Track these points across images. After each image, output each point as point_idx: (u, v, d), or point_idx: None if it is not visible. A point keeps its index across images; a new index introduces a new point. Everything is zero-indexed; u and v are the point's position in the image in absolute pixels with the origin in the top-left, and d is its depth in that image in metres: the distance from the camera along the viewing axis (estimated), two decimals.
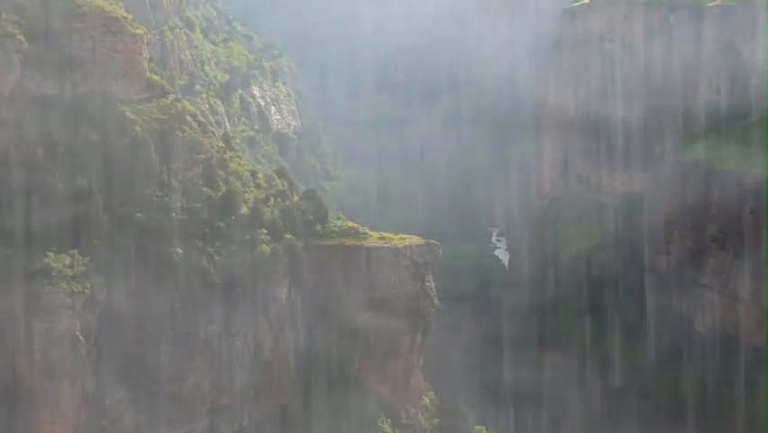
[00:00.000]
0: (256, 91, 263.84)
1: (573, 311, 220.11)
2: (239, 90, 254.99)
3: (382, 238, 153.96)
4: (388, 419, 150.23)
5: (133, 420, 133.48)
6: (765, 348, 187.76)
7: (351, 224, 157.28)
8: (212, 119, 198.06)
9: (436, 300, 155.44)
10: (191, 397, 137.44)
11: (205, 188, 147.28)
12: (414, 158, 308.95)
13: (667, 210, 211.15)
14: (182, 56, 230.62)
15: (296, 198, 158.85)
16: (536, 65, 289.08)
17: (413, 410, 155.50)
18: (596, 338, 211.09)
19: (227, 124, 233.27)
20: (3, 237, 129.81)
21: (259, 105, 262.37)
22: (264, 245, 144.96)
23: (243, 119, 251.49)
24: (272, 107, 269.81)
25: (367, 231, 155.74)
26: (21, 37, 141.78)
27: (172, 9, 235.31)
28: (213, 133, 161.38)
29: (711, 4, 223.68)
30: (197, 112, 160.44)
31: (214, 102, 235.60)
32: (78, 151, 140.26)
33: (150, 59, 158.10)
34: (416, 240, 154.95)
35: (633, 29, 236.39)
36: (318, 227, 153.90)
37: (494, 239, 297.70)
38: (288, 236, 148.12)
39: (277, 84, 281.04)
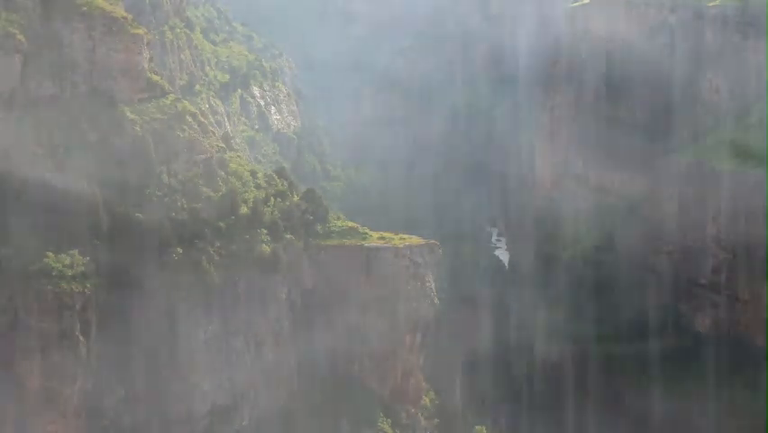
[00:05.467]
0: (256, 91, 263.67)
1: (573, 311, 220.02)
2: (239, 90, 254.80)
3: (382, 238, 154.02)
4: (388, 419, 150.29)
5: (133, 420, 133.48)
6: (765, 348, 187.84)
7: (351, 224, 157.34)
8: (212, 119, 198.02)
9: (436, 300, 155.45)
10: (191, 397, 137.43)
11: (205, 189, 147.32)
12: (414, 158, 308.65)
13: (667, 210, 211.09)
14: (182, 56, 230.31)
15: (296, 198, 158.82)
16: (536, 65, 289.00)
17: (413, 410, 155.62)
18: (596, 338, 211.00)
19: (227, 124, 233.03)
20: (3, 237, 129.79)
21: (259, 105, 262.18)
22: (264, 245, 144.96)
23: (243, 119, 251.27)
24: (272, 107, 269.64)
25: (367, 231, 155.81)
26: (21, 37, 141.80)
27: (172, 9, 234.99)
28: (213, 133, 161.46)
29: (711, 4, 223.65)
30: (197, 112, 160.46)
31: (215, 102, 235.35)
32: (78, 151, 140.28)
33: (151, 59, 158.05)
34: (415, 240, 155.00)
35: (633, 29, 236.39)
36: (318, 227, 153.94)
37: (494, 239, 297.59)
38: (288, 236, 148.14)
39: (277, 84, 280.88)
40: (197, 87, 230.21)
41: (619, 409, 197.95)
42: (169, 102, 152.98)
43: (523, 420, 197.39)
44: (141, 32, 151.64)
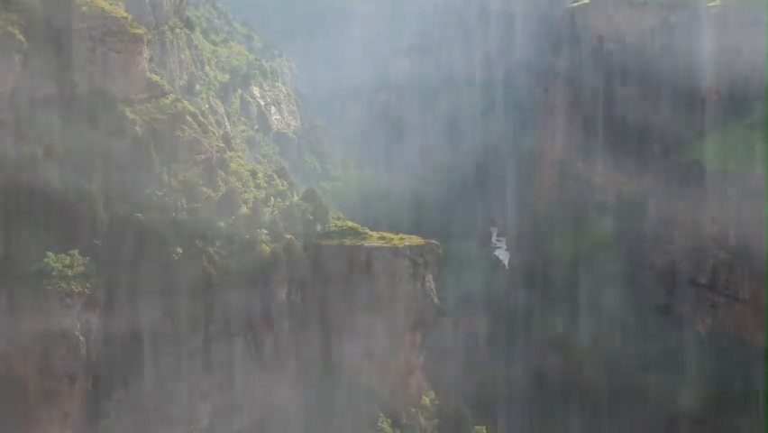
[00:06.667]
0: (256, 91, 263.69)
1: (573, 311, 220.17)
2: (239, 90, 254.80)
3: (382, 238, 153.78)
4: (388, 419, 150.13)
5: (133, 420, 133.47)
6: (765, 348, 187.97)
7: (351, 224, 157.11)
8: (212, 119, 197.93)
9: (436, 300, 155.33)
10: (191, 397, 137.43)
11: (205, 188, 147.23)
12: (414, 158, 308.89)
13: (667, 210, 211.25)
14: (182, 56, 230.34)
15: (296, 198, 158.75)
16: (536, 65, 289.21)
17: (413, 410, 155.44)
18: (596, 338, 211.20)
19: (227, 124, 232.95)
20: (2, 237, 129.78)
21: (259, 105, 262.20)
22: (264, 245, 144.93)
23: (243, 119, 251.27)
24: (272, 107, 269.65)
25: (367, 231, 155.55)
26: (21, 37, 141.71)
27: (172, 9, 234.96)
28: (213, 133, 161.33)
29: (711, 4, 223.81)
30: (197, 112, 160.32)
31: (214, 102, 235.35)
32: (78, 151, 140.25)
33: (150, 60, 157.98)
34: (415, 240, 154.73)
35: (633, 29, 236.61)
36: (318, 227, 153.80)
37: (494, 239, 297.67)
38: (288, 236, 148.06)
39: (277, 84, 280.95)
40: (197, 87, 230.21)
41: (619, 409, 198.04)
42: (169, 102, 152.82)
43: (523, 420, 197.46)
44: (141, 31, 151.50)
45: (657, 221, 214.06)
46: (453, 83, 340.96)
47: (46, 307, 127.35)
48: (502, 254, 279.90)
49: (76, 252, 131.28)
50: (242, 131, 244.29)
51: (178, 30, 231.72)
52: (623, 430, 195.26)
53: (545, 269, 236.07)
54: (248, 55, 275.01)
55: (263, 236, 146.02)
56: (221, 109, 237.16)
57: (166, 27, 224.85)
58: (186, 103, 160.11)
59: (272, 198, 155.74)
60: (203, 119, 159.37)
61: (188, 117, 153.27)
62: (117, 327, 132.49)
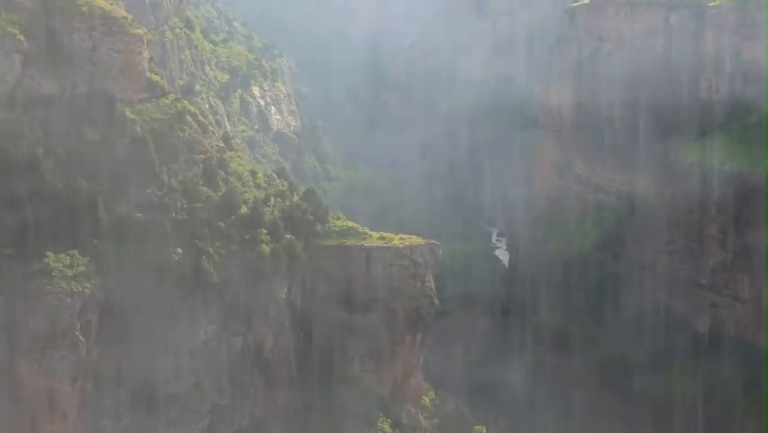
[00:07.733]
0: (256, 91, 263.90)
1: (573, 311, 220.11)
2: (239, 90, 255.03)
3: (382, 238, 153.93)
4: (388, 419, 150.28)
5: (133, 420, 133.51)
6: (765, 348, 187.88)
7: (351, 224, 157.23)
8: (212, 119, 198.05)
9: (436, 300, 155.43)
10: (191, 397, 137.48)
11: (205, 188, 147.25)
12: (414, 158, 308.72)
13: (667, 210, 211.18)
14: (182, 56, 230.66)
15: (296, 198, 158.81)
16: (536, 65, 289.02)
17: (413, 410, 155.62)
18: (596, 338, 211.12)
19: (227, 124, 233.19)
20: (3, 237, 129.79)
21: (259, 105, 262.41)
22: (264, 245, 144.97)
23: (243, 119, 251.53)
24: (272, 107, 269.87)
25: (367, 231, 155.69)
26: (21, 37, 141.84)
27: (172, 9, 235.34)
28: (213, 133, 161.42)
29: (711, 4, 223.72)
30: (197, 112, 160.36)
31: (215, 102, 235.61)
32: (78, 151, 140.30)
33: (151, 59, 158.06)
34: (415, 240, 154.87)
35: (633, 29, 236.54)
36: (318, 227, 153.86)
37: (494, 239, 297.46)
38: (288, 236, 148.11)
39: (277, 84, 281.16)
40: (197, 87, 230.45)
41: (619, 409, 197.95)
42: (169, 102, 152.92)
43: (522, 420, 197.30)
44: (141, 32, 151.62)
45: (657, 221, 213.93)
46: (453, 83, 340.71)
47: (46, 307, 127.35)
48: (502, 254, 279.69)
49: (76, 252, 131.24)
50: (242, 131, 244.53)
51: (178, 30, 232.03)
52: (622, 430, 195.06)
53: (545, 269, 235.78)
54: (248, 55, 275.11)
55: (263, 236, 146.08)
56: (221, 109, 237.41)
57: (166, 27, 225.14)
58: (186, 103, 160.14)
59: (272, 198, 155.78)
60: (203, 119, 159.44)
61: (188, 117, 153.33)
62: (117, 327, 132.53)
